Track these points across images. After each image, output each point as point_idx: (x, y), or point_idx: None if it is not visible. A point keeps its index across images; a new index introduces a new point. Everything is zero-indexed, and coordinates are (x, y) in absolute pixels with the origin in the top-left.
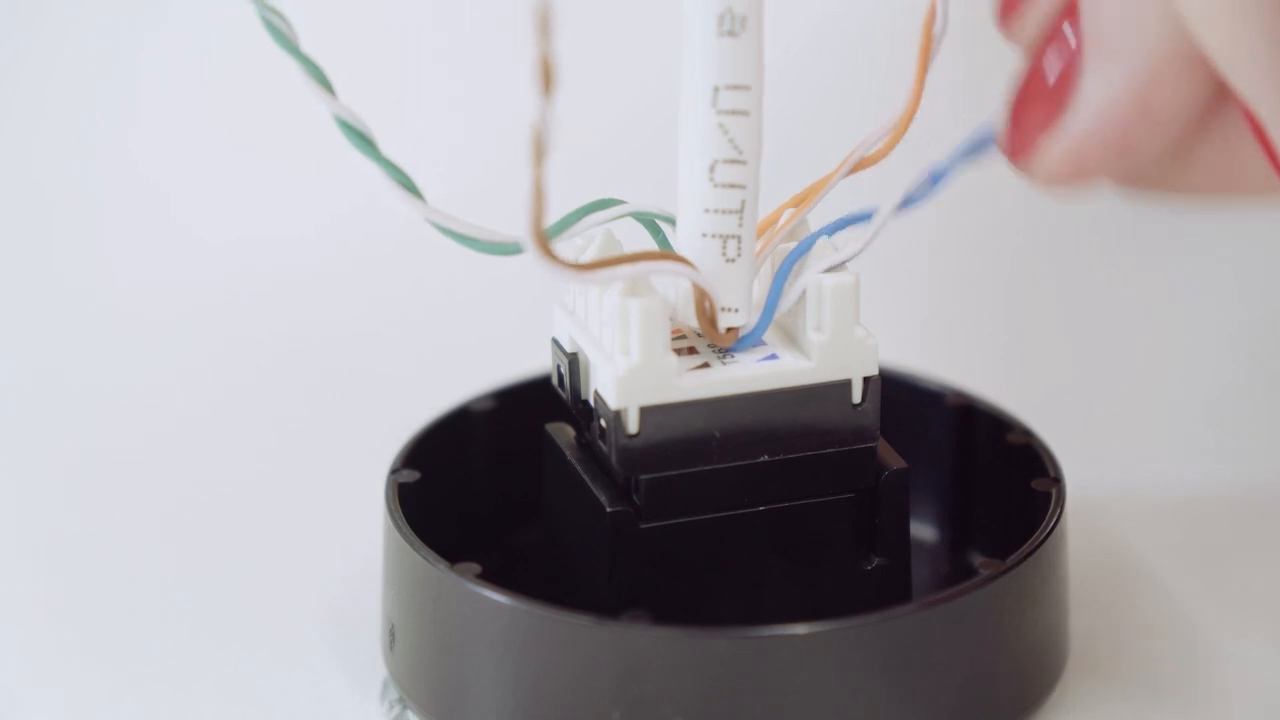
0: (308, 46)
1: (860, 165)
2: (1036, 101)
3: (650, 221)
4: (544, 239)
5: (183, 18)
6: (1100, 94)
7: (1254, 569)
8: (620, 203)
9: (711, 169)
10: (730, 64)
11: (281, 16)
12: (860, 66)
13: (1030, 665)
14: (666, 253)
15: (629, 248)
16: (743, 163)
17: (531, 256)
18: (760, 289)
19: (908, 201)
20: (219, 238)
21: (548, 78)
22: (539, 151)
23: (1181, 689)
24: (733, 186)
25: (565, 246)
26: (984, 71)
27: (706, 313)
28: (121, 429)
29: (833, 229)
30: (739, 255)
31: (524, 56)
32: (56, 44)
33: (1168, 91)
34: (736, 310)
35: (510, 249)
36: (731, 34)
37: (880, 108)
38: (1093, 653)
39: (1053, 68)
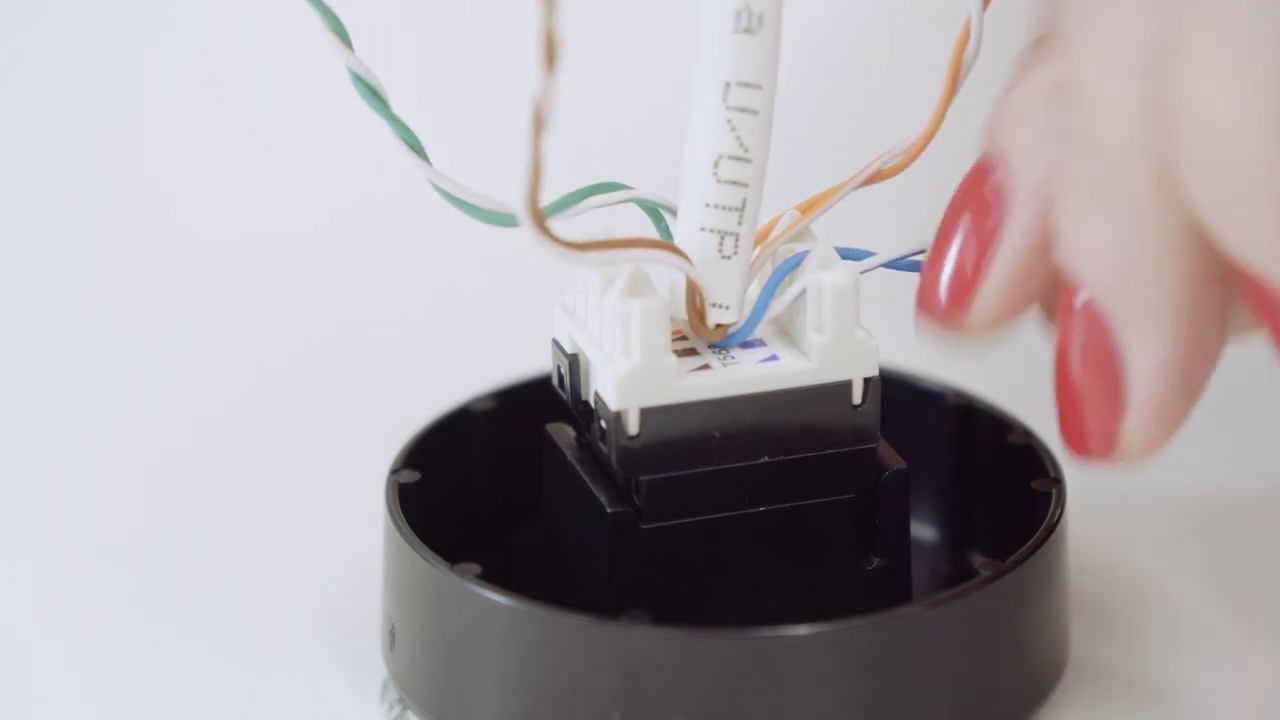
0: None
1: (875, 179)
2: (1077, 403)
3: (654, 210)
4: (539, 214)
5: (183, 17)
6: (1148, 365)
7: (1254, 569)
8: (624, 187)
9: (716, 164)
10: (744, 61)
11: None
12: (858, 68)
13: (1030, 666)
14: (662, 242)
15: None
16: (748, 161)
17: (526, 231)
18: (757, 289)
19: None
20: (219, 237)
21: (551, 52)
22: (538, 125)
23: (1181, 690)
24: (735, 184)
25: (566, 231)
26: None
27: (697, 307)
28: (119, 430)
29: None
30: (735, 253)
31: (529, 29)
32: (57, 43)
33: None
34: (727, 307)
35: (509, 220)
36: (748, 31)
37: (876, 108)
38: (1093, 653)
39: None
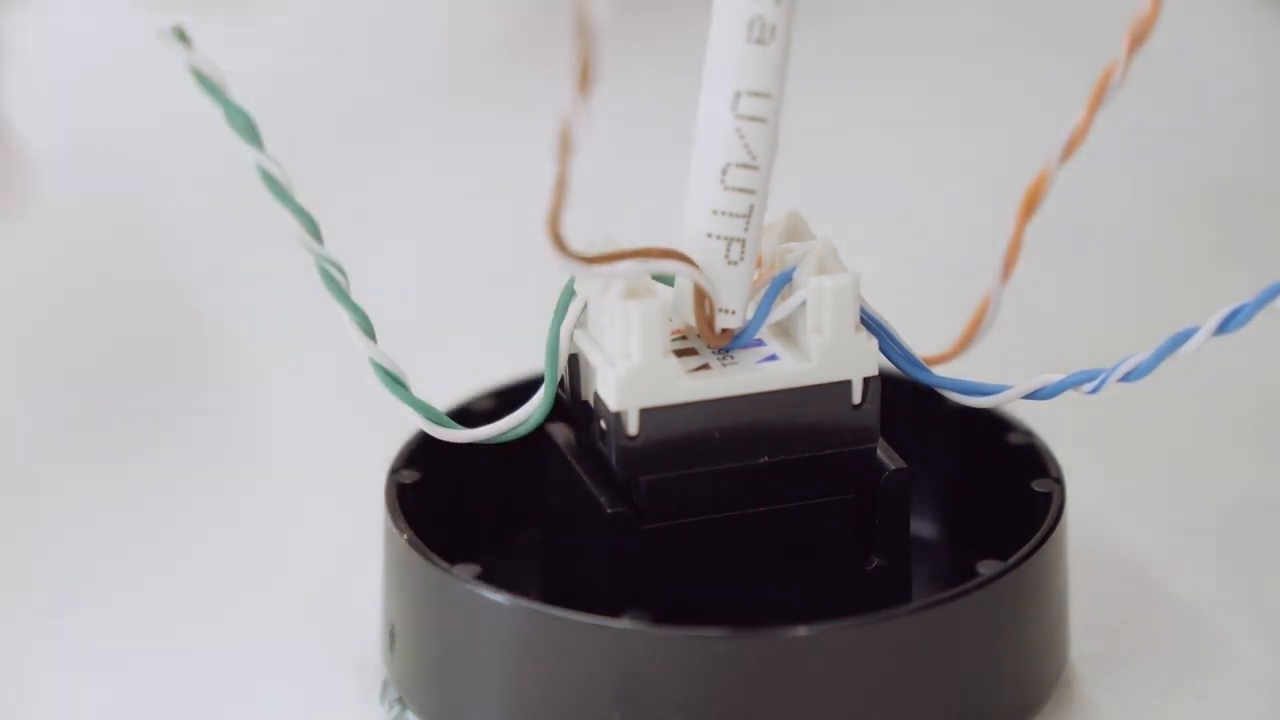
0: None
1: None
2: None
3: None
4: (558, 230)
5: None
6: None
7: (1254, 568)
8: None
9: (724, 172)
10: (755, 71)
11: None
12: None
13: (1030, 666)
14: (670, 250)
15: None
16: (755, 168)
17: (544, 246)
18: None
19: None
20: (217, 236)
21: (585, 77)
22: (566, 146)
23: (1182, 689)
24: (743, 191)
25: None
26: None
27: (705, 313)
28: (119, 428)
29: None
30: (742, 259)
31: (566, 51)
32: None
33: None
34: (734, 312)
35: (445, 421)
36: (760, 42)
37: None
38: (1093, 654)
39: None
